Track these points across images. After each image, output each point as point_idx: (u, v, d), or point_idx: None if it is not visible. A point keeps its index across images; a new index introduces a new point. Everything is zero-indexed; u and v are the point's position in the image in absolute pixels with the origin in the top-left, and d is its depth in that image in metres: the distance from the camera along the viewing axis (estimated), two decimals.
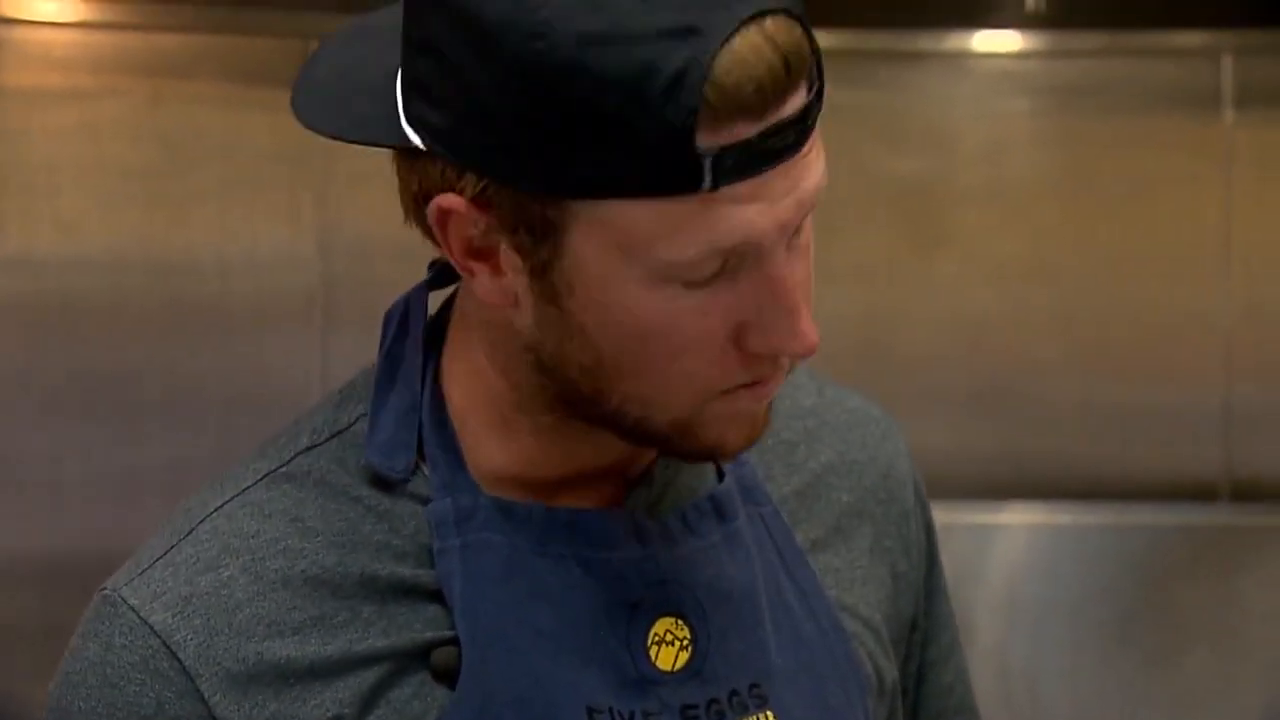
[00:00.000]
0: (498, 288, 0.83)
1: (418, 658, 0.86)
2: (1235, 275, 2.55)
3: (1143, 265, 2.55)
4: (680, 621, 0.88)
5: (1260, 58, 2.54)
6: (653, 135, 0.77)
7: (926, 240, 2.57)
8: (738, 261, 0.81)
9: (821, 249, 2.81)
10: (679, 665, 0.87)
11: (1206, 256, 2.55)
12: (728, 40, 0.77)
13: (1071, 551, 2.50)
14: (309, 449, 0.89)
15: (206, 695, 0.84)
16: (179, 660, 0.84)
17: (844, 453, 0.98)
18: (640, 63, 0.76)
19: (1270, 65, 2.54)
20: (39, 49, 2.31)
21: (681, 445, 0.86)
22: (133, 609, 0.86)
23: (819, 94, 0.81)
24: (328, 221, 2.39)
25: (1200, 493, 2.55)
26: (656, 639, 0.87)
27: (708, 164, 0.77)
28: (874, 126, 2.54)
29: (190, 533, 0.88)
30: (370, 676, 0.85)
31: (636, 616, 0.87)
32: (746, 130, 0.78)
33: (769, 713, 0.89)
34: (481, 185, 0.81)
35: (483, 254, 0.83)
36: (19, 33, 2.29)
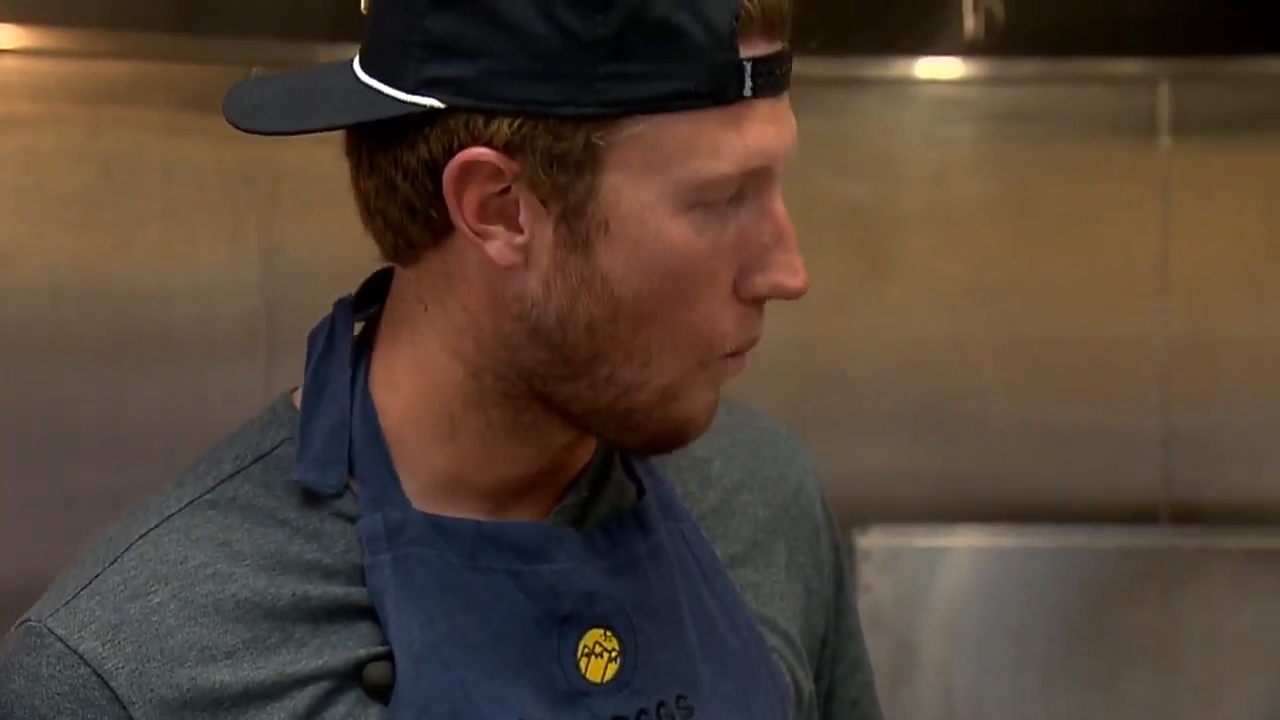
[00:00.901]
0: (512, 249, 0.84)
1: (352, 676, 0.86)
2: (1173, 299, 2.58)
3: (1082, 290, 2.58)
4: (609, 633, 0.88)
5: (1196, 85, 2.57)
6: (701, 40, 0.82)
7: (870, 265, 2.58)
8: (740, 199, 0.85)
9: None
10: (608, 677, 0.88)
11: (1144, 281, 2.57)
12: None
13: (1014, 574, 2.51)
14: (232, 475, 0.89)
15: None
16: (111, 689, 0.84)
17: (756, 470, 0.99)
18: None
19: (1206, 92, 2.57)
20: None
21: (658, 424, 0.87)
22: (60, 639, 0.84)
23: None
24: (271, 247, 2.38)
25: (1140, 515, 2.57)
26: (586, 651, 0.88)
27: (749, 70, 0.83)
28: (818, 152, 2.56)
29: (115, 561, 0.87)
30: (305, 697, 0.85)
31: (566, 629, 0.88)
32: (764, 48, 0.84)
33: None
34: (516, 125, 0.82)
35: (498, 214, 0.84)
36: None
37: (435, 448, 0.88)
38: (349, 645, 0.86)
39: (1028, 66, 2.57)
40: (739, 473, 0.98)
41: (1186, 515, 2.57)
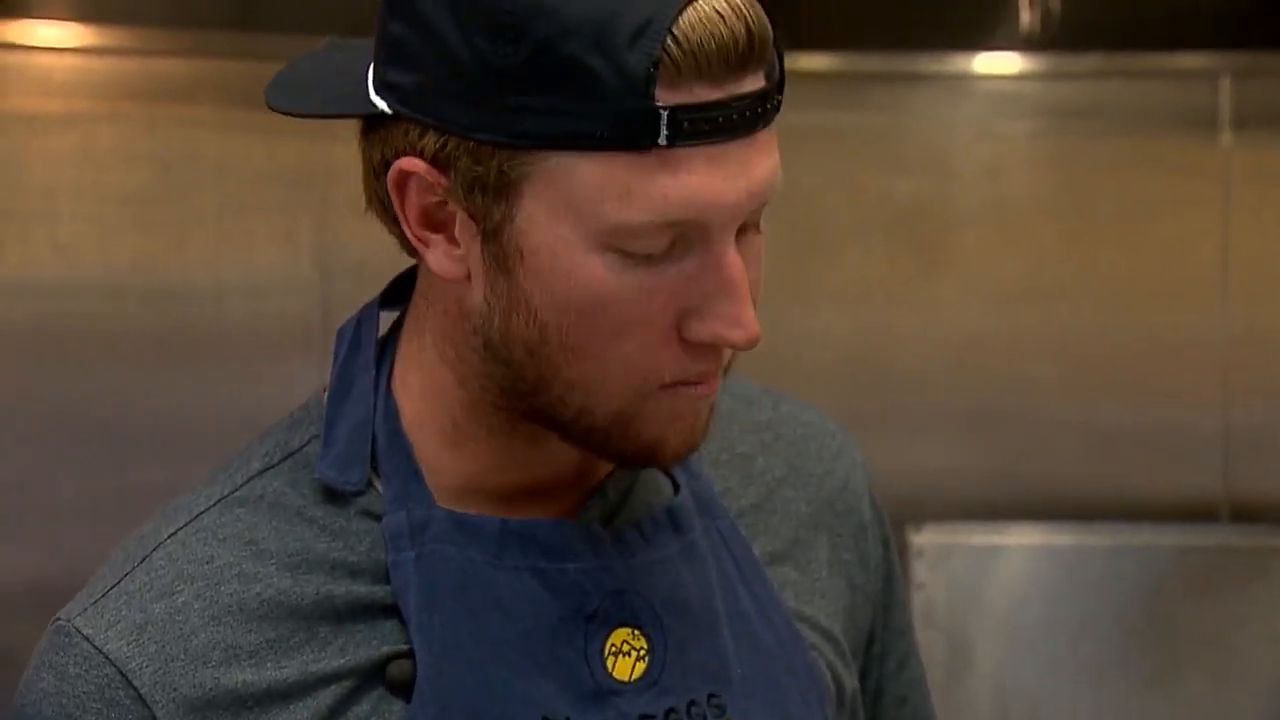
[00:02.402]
0: (451, 260, 0.84)
1: (375, 674, 0.86)
2: (1233, 296, 2.55)
3: (1140, 286, 2.55)
4: (637, 632, 0.88)
5: (1258, 80, 2.54)
6: (613, 83, 0.78)
7: (924, 261, 2.57)
8: (685, 245, 0.81)
9: (819, 270, 2.80)
10: (636, 675, 0.87)
11: (1204, 278, 2.55)
12: (693, 1, 0.79)
13: (1070, 573, 2.49)
14: (261, 472, 0.89)
15: None
16: (134, 688, 0.84)
17: (799, 466, 0.98)
18: (606, 9, 0.78)
19: (1268, 87, 2.55)
20: (39, 74, 2.31)
21: (622, 444, 0.85)
22: (87, 638, 0.85)
23: (779, 87, 0.82)
24: (326, 245, 2.39)
25: (1199, 514, 2.55)
26: (614, 649, 0.87)
27: (665, 118, 0.78)
28: (872, 148, 2.55)
29: (144, 560, 0.88)
30: (328, 696, 0.85)
31: (593, 627, 0.87)
32: (705, 94, 0.79)
33: None
34: (441, 143, 0.81)
35: (439, 224, 0.83)
36: (19, 58, 2.30)
37: (445, 452, 0.88)
38: (372, 644, 0.86)
39: (1085, 61, 2.55)
40: (781, 469, 0.97)
41: (1246, 514, 2.55)
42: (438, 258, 0.84)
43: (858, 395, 2.48)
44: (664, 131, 0.79)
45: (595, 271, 0.81)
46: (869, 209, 2.54)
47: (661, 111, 0.78)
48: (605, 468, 0.91)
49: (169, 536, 0.88)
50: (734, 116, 0.80)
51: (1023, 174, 2.57)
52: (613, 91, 0.78)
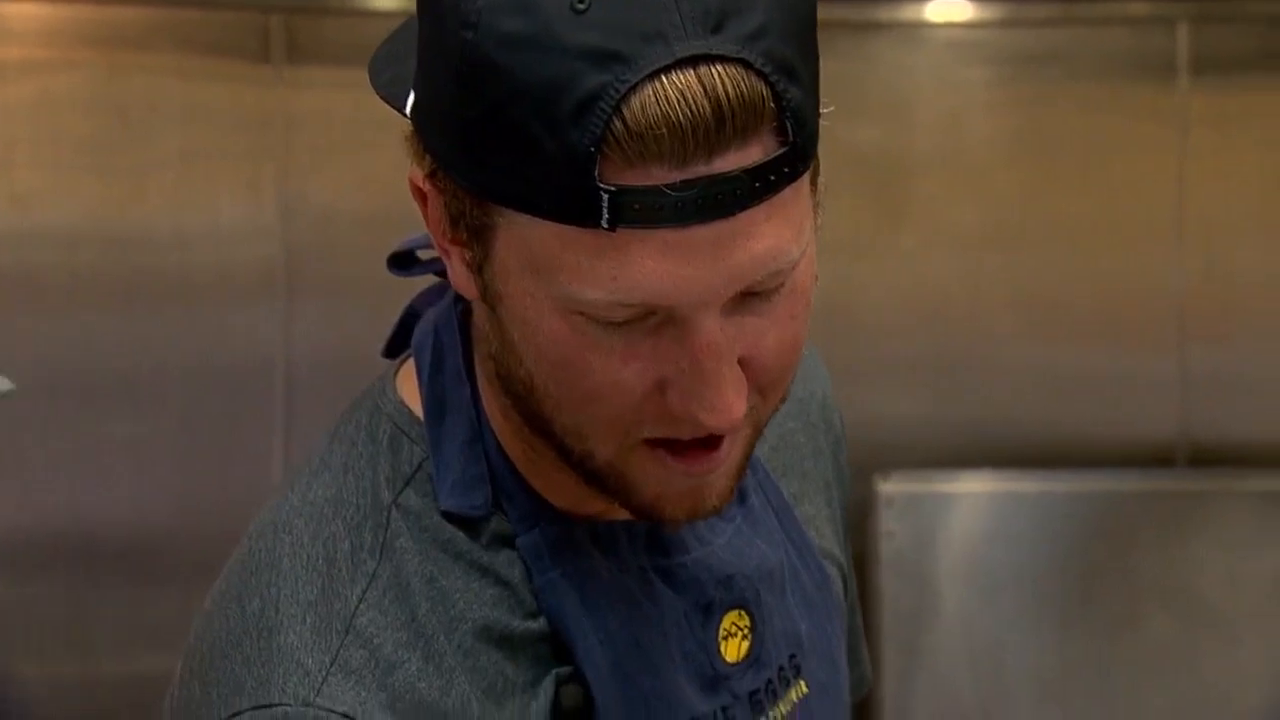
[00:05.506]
0: (467, 277, 0.79)
1: (555, 700, 0.82)
2: (1190, 240, 2.57)
3: (1099, 232, 2.57)
4: (743, 612, 0.87)
5: (1215, 25, 2.55)
6: (555, 156, 0.72)
7: (885, 210, 2.57)
8: (660, 317, 0.75)
9: None
10: (742, 655, 0.87)
11: (1161, 222, 2.56)
12: (654, 76, 0.71)
13: (1031, 519, 2.51)
14: (394, 504, 0.82)
15: None
16: None
17: (790, 393, 0.95)
18: (553, 77, 0.71)
19: (1225, 32, 2.55)
20: None
21: (625, 498, 0.80)
22: (344, 716, 0.77)
23: (791, 158, 0.75)
24: (289, 192, 2.38)
25: (1158, 458, 2.56)
26: (725, 634, 0.86)
27: (606, 200, 0.72)
28: (831, 97, 2.54)
29: (349, 632, 0.80)
30: None
31: (709, 616, 0.86)
32: (662, 176, 0.72)
33: (802, 681, 0.89)
34: (432, 168, 0.77)
35: (458, 240, 0.78)
36: None
37: (529, 470, 0.83)
38: (550, 674, 0.82)
39: (1042, 8, 2.55)
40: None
41: (1204, 458, 2.57)
42: (455, 272, 0.79)
43: (822, 344, 2.48)
44: (605, 215, 0.71)
45: (563, 331, 0.75)
46: (828, 158, 2.53)
47: (603, 193, 0.71)
48: None
49: (360, 601, 0.80)
50: (698, 200, 0.72)
51: (981, 121, 2.58)
52: (555, 165, 0.72)
